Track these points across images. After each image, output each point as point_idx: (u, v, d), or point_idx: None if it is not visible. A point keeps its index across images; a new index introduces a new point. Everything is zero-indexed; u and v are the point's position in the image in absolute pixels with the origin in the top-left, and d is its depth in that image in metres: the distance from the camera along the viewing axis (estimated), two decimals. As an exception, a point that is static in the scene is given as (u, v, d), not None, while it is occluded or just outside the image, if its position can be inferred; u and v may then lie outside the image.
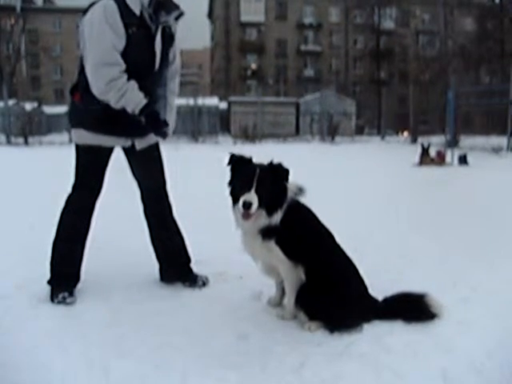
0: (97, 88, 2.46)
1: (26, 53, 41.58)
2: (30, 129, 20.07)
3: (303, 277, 2.38)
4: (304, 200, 2.47)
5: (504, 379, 1.93)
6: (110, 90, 2.44)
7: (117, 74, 2.45)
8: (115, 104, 2.48)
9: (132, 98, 2.47)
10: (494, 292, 2.81)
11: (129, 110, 2.50)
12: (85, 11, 2.51)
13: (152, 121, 2.53)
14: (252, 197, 2.20)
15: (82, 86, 2.59)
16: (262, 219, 2.32)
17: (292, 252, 2.37)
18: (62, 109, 25.85)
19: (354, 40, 45.22)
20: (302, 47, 45.69)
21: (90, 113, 2.55)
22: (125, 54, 2.48)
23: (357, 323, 2.31)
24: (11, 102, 21.97)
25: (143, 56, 2.58)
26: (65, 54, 46.30)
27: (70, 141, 18.13)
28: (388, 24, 41.59)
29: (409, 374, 1.94)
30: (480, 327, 2.34)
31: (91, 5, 2.50)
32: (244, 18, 44.29)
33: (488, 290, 2.83)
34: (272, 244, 2.37)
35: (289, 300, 2.46)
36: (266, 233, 2.36)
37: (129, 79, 2.48)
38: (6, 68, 35.50)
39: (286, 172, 2.34)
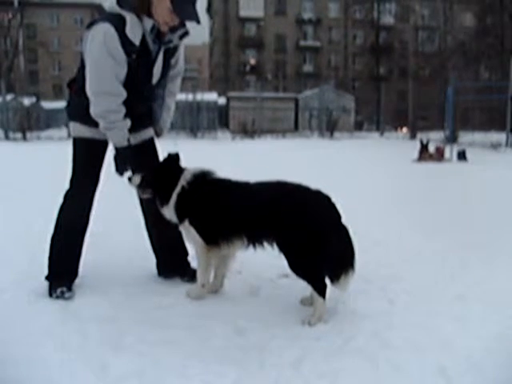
0: (92, 112, 2.49)
1: (23, 48, 41.41)
2: (28, 124, 19.99)
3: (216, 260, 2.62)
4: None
5: (503, 375, 1.93)
6: (101, 119, 2.49)
7: (114, 106, 2.46)
8: (101, 129, 2.54)
9: (116, 136, 2.53)
10: (492, 288, 2.81)
11: (109, 141, 2.61)
12: (88, 26, 2.46)
13: (119, 159, 2.59)
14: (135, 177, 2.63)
15: (78, 83, 2.60)
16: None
17: (207, 231, 2.52)
18: (60, 104, 25.67)
19: (353, 35, 45.09)
20: (301, 42, 45.58)
21: (83, 106, 2.54)
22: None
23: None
24: (9, 97, 21.88)
25: (141, 77, 2.58)
26: (63, 49, 46.11)
27: (69, 136, 18.07)
28: (387, 19, 41.40)
29: (407, 369, 1.94)
30: (478, 323, 2.35)
31: (94, 22, 2.45)
32: (243, 13, 44.16)
33: (486, 287, 2.83)
34: (187, 224, 2.57)
35: (197, 279, 2.65)
36: (178, 214, 2.58)
37: (125, 101, 2.49)
38: (4, 63, 35.36)
39: (170, 159, 2.62)
